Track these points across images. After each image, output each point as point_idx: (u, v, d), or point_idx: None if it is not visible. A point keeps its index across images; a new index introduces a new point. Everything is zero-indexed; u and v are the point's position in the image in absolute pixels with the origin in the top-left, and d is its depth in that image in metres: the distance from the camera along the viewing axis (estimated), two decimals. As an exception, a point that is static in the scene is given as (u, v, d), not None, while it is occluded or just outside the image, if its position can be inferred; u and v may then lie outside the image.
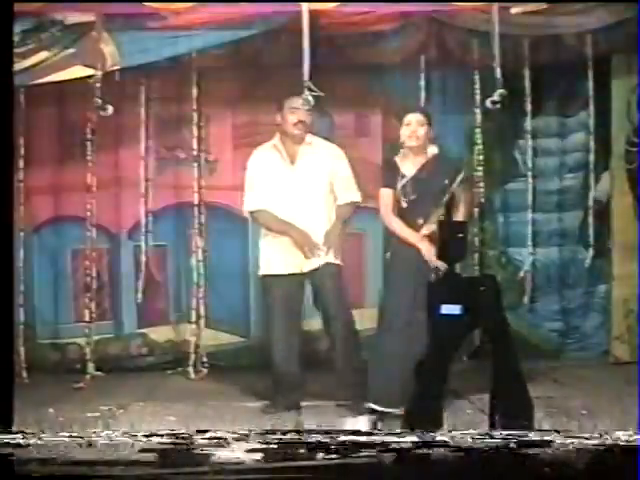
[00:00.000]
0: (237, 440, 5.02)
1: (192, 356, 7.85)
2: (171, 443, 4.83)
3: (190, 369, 7.76)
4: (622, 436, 4.95)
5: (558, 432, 4.97)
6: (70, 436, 4.96)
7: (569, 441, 4.82)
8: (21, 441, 4.86)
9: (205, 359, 7.97)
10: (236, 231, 8.16)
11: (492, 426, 5.05)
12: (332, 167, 6.50)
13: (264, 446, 4.85)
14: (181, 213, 8.05)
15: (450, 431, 5.03)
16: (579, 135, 8.08)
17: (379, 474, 4.66)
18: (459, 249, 5.66)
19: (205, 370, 7.87)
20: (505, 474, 4.66)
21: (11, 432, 4.95)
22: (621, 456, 4.67)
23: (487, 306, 5.41)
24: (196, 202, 7.93)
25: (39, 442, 4.86)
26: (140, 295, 8.04)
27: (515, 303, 7.92)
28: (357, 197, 6.57)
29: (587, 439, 4.83)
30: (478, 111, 7.75)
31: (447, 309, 5.30)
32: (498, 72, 6.68)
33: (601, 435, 5.03)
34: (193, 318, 7.92)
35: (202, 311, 8.00)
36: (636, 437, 4.97)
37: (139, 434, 5.13)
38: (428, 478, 4.70)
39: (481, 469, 4.64)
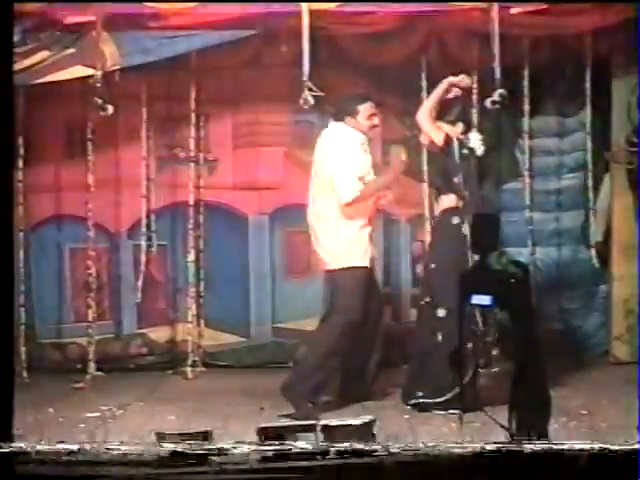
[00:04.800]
0: (237, 440, 5.02)
1: (192, 356, 7.83)
2: (171, 443, 4.82)
3: (189, 369, 7.74)
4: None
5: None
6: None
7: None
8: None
9: (205, 359, 7.97)
10: (236, 231, 8.17)
11: (509, 420, 5.04)
12: None
13: (264, 446, 4.84)
14: (181, 213, 8.05)
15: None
16: (579, 135, 8.09)
17: (379, 474, 4.66)
18: (491, 241, 5.72)
19: (205, 370, 7.87)
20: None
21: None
22: (621, 457, 4.66)
23: (516, 298, 5.42)
24: (196, 202, 7.92)
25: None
26: (140, 295, 8.04)
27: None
28: None
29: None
30: (476, 111, 7.74)
31: (477, 299, 5.33)
32: (498, 72, 6.69)
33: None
34: (192, 318, 7.91)
35: (201, 311, 8.01)
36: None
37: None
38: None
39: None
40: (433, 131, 6.40)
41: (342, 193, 6.31)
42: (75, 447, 4.87)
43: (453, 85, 6.42)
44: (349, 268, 6.36)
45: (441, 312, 6.26)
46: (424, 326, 6.44)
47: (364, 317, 6.42)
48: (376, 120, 6.53)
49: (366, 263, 6.40)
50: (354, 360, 6.53)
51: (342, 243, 6.38)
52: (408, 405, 6.35)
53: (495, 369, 6.43)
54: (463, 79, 6.43)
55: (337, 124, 6.51)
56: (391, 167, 6.59)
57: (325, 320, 6.50)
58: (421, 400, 6.28)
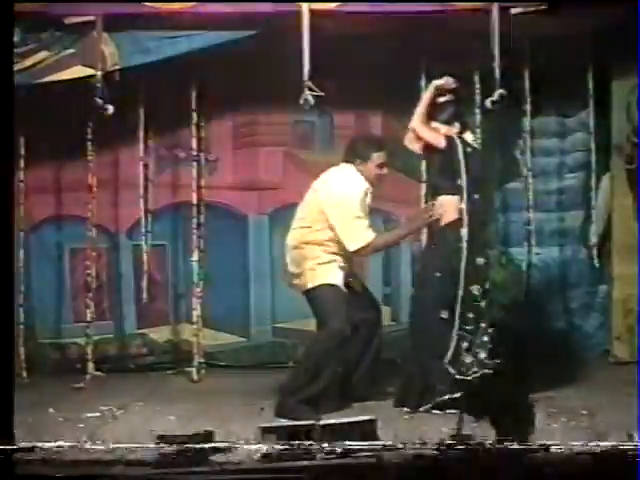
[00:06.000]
0: (237, 440, 5.03)
1: (197, 358, 7.81)
2: (171, 443, 4.82)
3: (189, 369, 7.72)
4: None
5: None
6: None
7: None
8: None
9: (204, 359, 7.97)
10: (236, 231, 8.17)
11: (493, 424, 5.06)
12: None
13: (264, 446, 4.85)
14: (181, 213, 8.05)
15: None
16: (579, 135, 8.09)
17: (380, 474, 4.66)
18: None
19: (204, 370, 7.87)
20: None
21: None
22: (621, 458, 4.67)
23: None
24: (196, 202, 7.91)
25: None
26: (140, 295, 8.03)
27: (515, 303, 7.92)
28: None
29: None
30: (478, 111, 7.74)
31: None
32: (498, 72, 6.69)
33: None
34: (193, 318, 7.90)
35: (201, 311, 8.00)
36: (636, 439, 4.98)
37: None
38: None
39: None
40: (432, 136, 6.37)
41: (350, 240, 6.29)
42: (75, 447, 4.89)
43: (439, 87, 6.41)
44: (323, 285, 6.34)
45: (444, 314, 6.25)
46: (422, 327, 6.42)
47: (354, 329, 6.39)
48: (385, 170, 6.50)
49: (338, 282, 6.36)
50: (348, 363, 6.53)
51: (313, 264, 6.38)
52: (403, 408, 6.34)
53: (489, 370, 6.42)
54: (447, 80, 6.43)
55: (346, 165, 6.50)
56: (411, 223, 6.71)
57: (316, 336, 6.49)
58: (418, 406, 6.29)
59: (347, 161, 6.50)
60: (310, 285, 6.39)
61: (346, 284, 6.44)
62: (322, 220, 6.39)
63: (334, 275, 6.36)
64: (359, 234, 6.31)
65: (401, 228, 7.05)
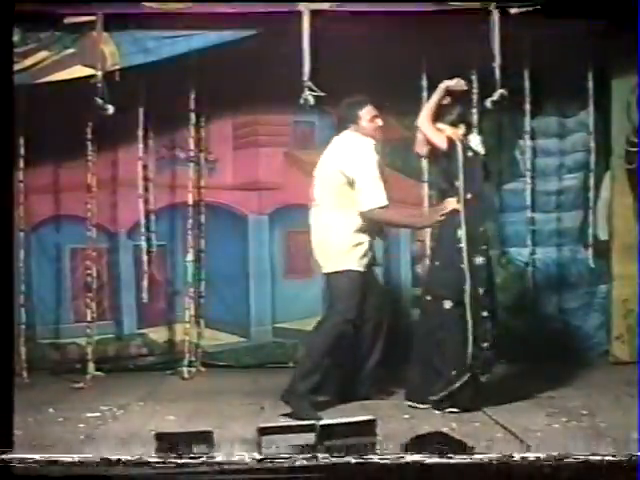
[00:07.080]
0: (237, 440, 5.02)
1: (188, 356, 7.81)
2: (171, 443, 4.82)
3: (186, 369, 7.72)
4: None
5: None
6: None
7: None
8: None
9: (205, 359, 7.97)
10: (236, 231, 8.17)
11: None
12: None
13: (264, 446, 4.84)
14: (181, 213, 8.04)
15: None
16: (579, 135, 8.09)
17: (380, 474, 4.66)
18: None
19: (205, 370, 7.88)
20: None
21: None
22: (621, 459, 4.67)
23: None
24: (193, 202, 7.90)
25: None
26: (140, 295, 8.03)
27: (515, 303, 7.93)
28: None
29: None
30: (476, 111, 7.73)
31: None
32: (498, 72, 6.68)
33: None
34: (192, 318, 7.91)
35: (201, 311, 8.01)
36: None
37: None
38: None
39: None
40: (436, 135, 6.35)
41: (366, 199, 6.26)
42: (74, 448, 4.89)
43: (449, 88, 6.40)
44: (344, 271, 6.33)
45: (447, 304, 6.25)
46: (428, 322, 6.41)
47: (363, 318, 6.43)
48: (379, 121, 6.49)
49: (361, 268, 6.37)
50: (353, 360, 6.54)
51: (339, 248, 6.35)
52: (412, 403, 6.34)
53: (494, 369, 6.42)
54: (458, 82, 6.41)
55: (346, 132, 6.48)
56: (428, 215, 6.84)
57: (322, 321, 6.49)
58: (427, 399, 6.29)
59: (342, 129, 6.49)
60: (331, 269, 6.38)
61: (368, 270, 6.45)
62: (339, 185, 6.32)
63: (357, 261, 6.35)
64: (376, 195, 6.27)
65: (414, 218, 7.01)
